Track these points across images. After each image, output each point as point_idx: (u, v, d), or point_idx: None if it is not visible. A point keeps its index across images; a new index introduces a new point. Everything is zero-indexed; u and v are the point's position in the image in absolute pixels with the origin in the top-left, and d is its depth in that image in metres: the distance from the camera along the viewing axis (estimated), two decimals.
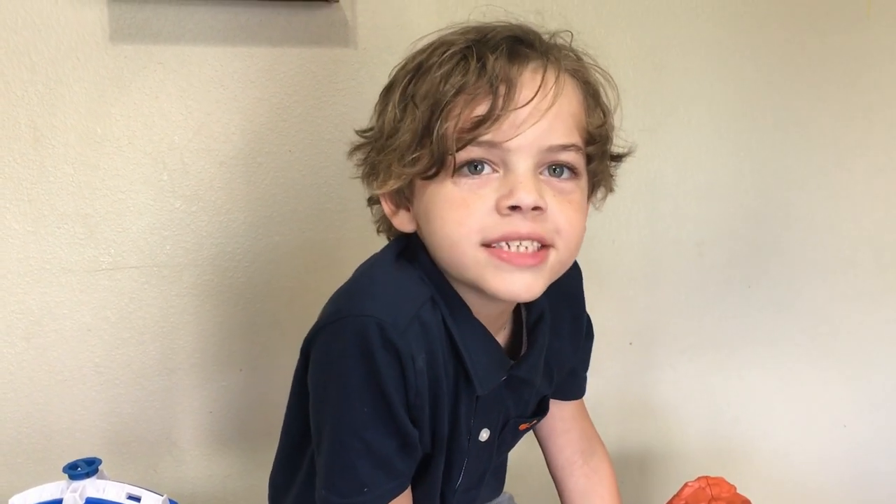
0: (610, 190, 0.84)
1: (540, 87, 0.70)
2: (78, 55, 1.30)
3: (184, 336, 1.41)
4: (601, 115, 0.77)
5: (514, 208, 0.69)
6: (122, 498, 0.81)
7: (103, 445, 1.39)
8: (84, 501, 0.80)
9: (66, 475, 0.83)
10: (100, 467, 0.85)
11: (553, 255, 0.72)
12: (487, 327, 0.80)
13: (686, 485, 1.05)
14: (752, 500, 1.06)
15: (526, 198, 0.68)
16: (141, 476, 1.41)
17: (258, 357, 1.42)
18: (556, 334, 0.88)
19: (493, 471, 0.96)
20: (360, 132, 0.81)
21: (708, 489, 1.03)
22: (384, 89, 0.79)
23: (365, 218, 1.01)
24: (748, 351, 1.70)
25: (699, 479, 1.05)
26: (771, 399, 1.74)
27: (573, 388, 0.99)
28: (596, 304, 1.58)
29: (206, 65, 1.33)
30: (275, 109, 1.37)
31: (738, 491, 1.06)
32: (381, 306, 0.73)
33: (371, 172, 0.77)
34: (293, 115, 1.37)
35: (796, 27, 1.59)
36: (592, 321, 1.61)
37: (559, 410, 0.98)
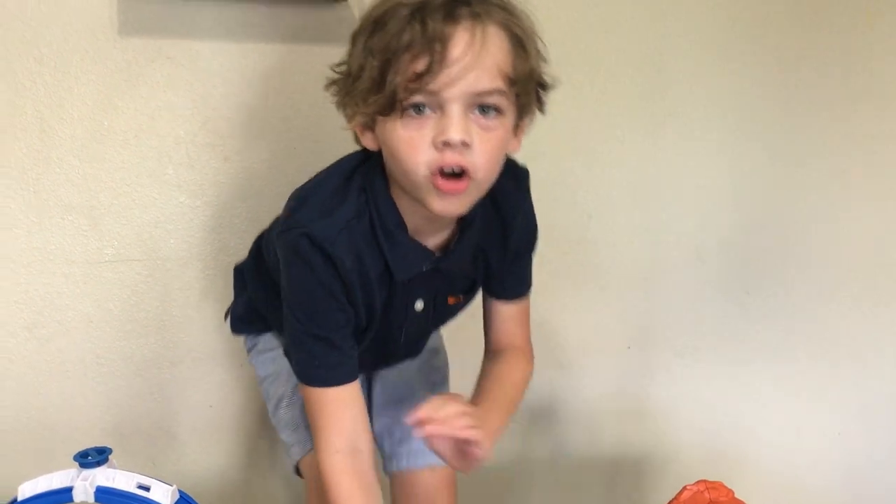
0: (541, 113, 0.98)
1: (469, 43, 0.83)
2: (87, 47, 1.30)
3: (185, 330, 1.41)
4: (525, 59, 0.89)
5: (446, 143, 0.85)
6: (132, 487, 0.82)
7: (103, 437, 1.39)
8: (94, 490, 0.81)
9: (77, 463, 0.84)
10: (109, 456, 0.86)
11: (473, 185, 0.89)
12: (427, 227, 0.97)
13: (685, 488, 1.06)
14: None
15: (455, 136, 0.84)
16: (139, 468, 1.41)
17: None
18: (484, 234, 1.02)
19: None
20: (334, 67, 0.95)
21: (706, 493, 1.04)
22: (354, 32, 0.91)
23: None
24: (745, 357, 1.72)
25: (698, 482, 1.06)
26: (766, 405, 1.75)
27: (507, 290, 1.11)
28: (594, 308, 1.61)
29: (215, 60, 1.33)
30: (281, 107, 1.37)
31: (735, 496, 1.07)
32: (316, 219, 0.93)
33: (343, 106, 0.94)
34: (299, 112, 1.38)
35: (798, 36, 1.61)
36: (590, 324, 1.63)
37: (496, 308, 1.12)
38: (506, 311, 1.11)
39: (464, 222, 0.99)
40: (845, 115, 1.67)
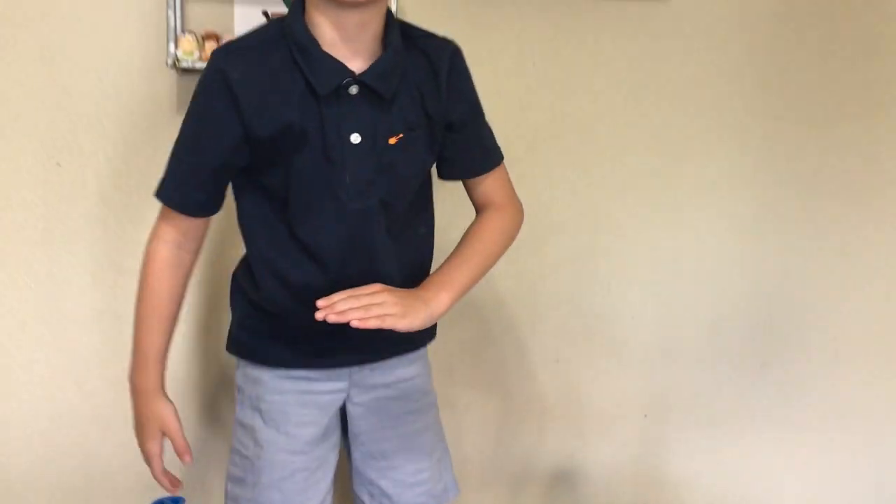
0: None
1: None
2: (146, 123, 1.41)
3: (222, 391, 1.49)
4: None
5: None
6: None
7: (142, 489, 1.45)
8: None
9: None
10: None
11: None
12: (343, 42, 1.02)
13: None
14: None
15: None
16: None
17: None
18: (415, 72, 1.08)
19: (405, 228, 1.13)
20: None
21: None
22: None
23: None
24: (760, 429, 1.76)
25: None
26: (780, 477, 1.78)
27: (475, 164, 1.17)
28: (613, 376, 1.67)
29: None
30: None
31: None
32: (224, 47, 1.06)
33: None
34: None
35: (811, 121, 1.69)
36: (608, 392, 1.68)
37: (472, 183, 1.18)
38: (480, 182, 1.17)
39: (385, 44, 1.04)
40: (857, 197, 1.74)
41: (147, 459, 1.15)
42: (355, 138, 1.03)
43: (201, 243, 1.13)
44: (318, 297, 0.99)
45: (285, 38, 1.02)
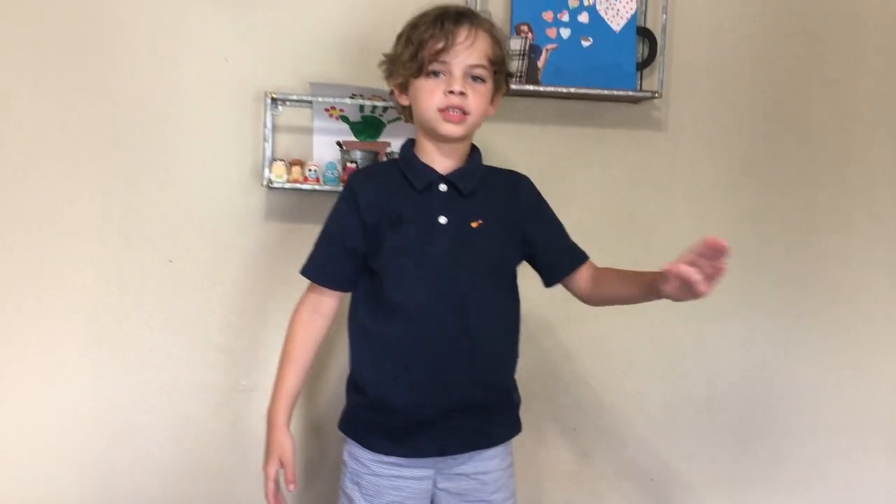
0: (507, 91, 1.44)
1: (467, 36, 1.32)
2: (241, 228, 1.72)
3: (300, 452, 1.70)
4: (500, 51, 1.37)
5: (451, 92, 1.31)
6: None
7: None
8: None
9: None
10: None
11: (469, 119, 1.33)
12: (436, 155, 1.37)
13: None
14: None
15: (457, 87, 1.32)
16: None
17: None
18: (498, 190, 1.41)
19: (492, 311, 1.37)
20: (385, 54, 1.42)
21: None
22: (399, 34, 1.39)
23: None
24: (752, 492, 1.94)
25: None
26: None
27: (568, 259, 1.45)
28: (623, 444, 1.90)
29: None
30: None
31: None
32: (357, 170, 1.52)
33: (389, 74, 1.40)
34: None
35: (793, 231, 1.93)
36: (619, 457, 1.89)
37: (573, 280, 1.44)
38: (581, 273, 1.43)
39: (469, 157, 1.40)
40: (833, 295, 1.95)
41: (265, 479, 1.35)
42: (443, 219, 1.34)
43: (332, 313, 1.41)
44: (405, 355, 1.31)
45: (399, 164, 1.39)
